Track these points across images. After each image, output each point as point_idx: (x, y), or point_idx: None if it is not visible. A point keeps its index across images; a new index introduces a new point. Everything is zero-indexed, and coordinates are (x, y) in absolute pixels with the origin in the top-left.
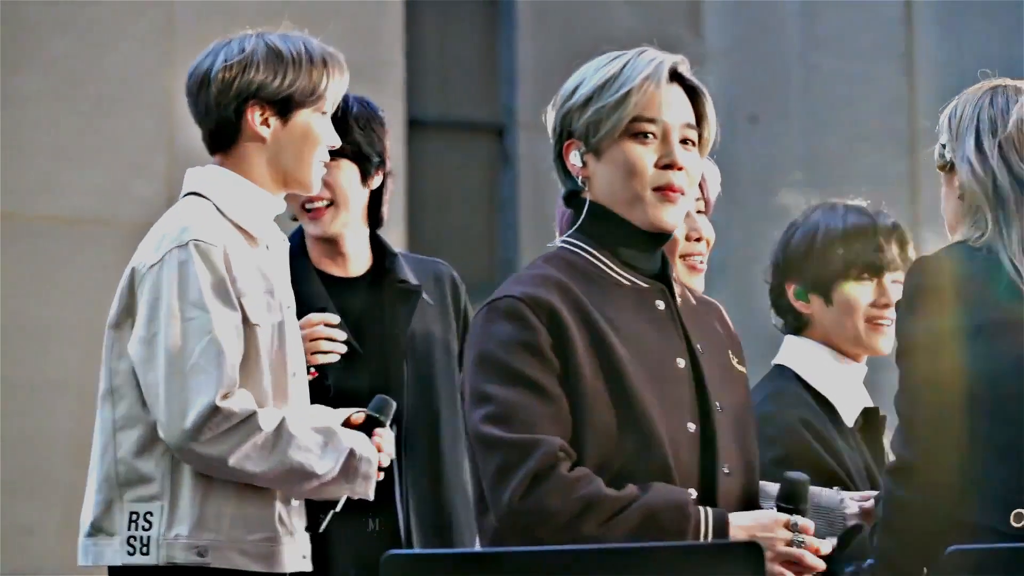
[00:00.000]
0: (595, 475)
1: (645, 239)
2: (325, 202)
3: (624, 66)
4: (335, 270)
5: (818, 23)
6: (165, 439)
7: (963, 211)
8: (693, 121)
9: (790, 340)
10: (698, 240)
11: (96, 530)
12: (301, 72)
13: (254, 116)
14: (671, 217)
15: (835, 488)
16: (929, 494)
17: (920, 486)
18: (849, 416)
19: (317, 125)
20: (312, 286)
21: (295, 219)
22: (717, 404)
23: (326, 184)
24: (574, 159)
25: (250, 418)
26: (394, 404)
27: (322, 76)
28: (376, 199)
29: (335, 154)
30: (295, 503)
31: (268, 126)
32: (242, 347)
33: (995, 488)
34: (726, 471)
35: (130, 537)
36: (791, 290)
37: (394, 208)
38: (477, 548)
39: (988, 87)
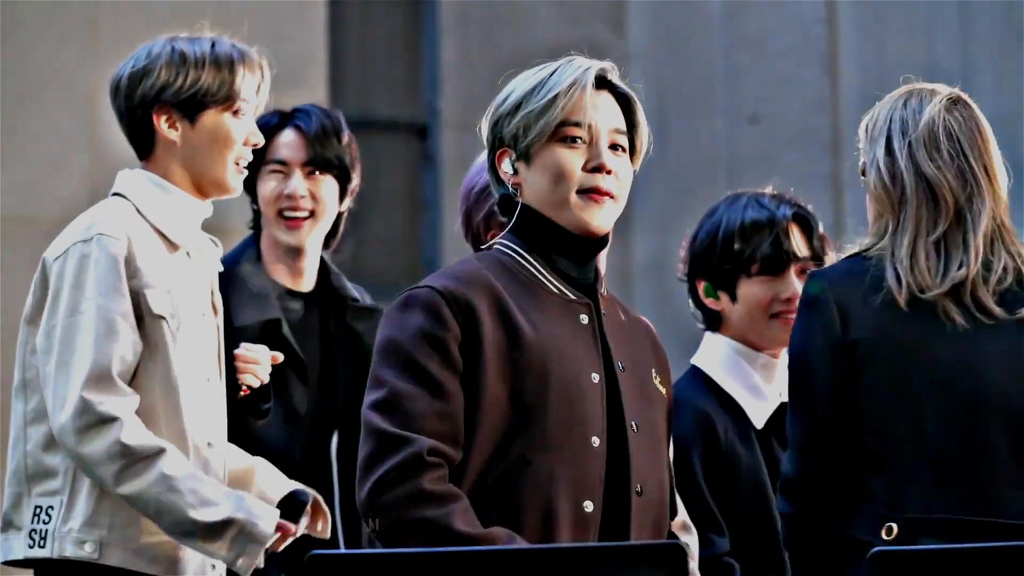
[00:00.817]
0: (460, 496)
1: (575, 244)
2: (306, 213)
3: (552, 73)
4: (288, 282)
5: (741, 24)
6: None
7: (872, 217)
8: (623, 127)
9: (706, 338)
10: None
11: (7, 524)
12: (204, 72)
13: (160, 120)
14: (598, 219)
15: None
16: (809, 510)
17: (801, 502)
18: (759, 415)
19: (230, 125)
20: (269, 295)
21: (252, 227)
22: (633, 423)
23: (311, 196)
24: (506, 167)
25: (112, 421)
26: (310, 498)
27: (231, 75)
28: (337, 220)
29: (323, 169)
30: None
31: (176, 129)
32: (136, 338)
33: (871, 502)
34: (639, 490)
35: (32, 531)
36: (701, 287)
37: None
38: (401, 549)
39: (904, 91)
